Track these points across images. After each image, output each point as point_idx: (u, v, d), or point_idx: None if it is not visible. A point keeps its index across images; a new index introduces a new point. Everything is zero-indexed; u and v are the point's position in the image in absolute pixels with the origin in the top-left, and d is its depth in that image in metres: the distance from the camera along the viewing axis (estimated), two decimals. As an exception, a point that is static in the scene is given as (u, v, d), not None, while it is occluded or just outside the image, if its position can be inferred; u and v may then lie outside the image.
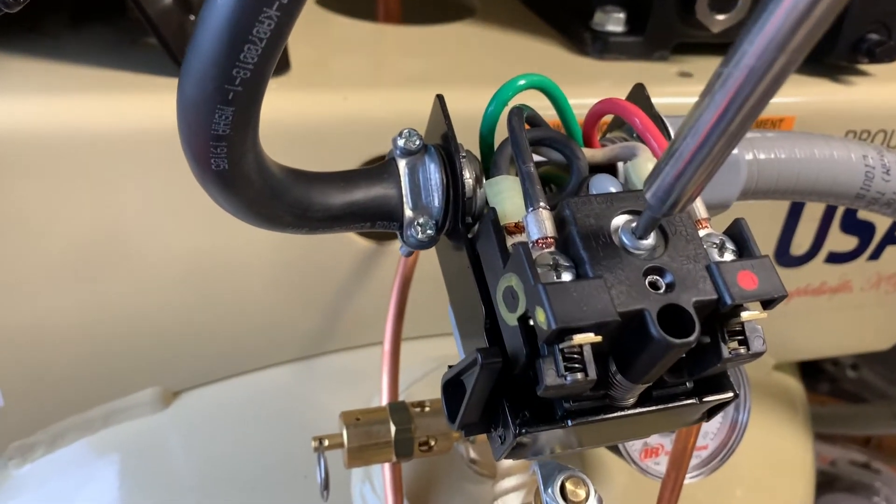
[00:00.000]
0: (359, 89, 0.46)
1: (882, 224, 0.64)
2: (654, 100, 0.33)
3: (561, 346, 0.25)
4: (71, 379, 0.51)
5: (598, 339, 0.25)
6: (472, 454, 0.46)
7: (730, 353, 0.27)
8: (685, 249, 0.27)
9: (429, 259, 0.50)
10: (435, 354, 0.53)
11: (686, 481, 0.44)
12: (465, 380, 0.29)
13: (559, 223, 0.27)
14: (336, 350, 0.55)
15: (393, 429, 0.40)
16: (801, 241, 0.62)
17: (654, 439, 0.43)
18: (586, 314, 0.24)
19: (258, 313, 0.52)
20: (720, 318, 0.27)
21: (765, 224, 0.60)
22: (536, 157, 0.32)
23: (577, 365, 0.25)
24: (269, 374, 0.54)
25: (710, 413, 0.32)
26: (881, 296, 0.69)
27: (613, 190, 0.30)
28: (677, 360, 0.28)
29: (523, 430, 0.28)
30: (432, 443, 0.41)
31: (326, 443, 0.40)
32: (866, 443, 1.28)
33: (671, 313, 0.25)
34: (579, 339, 0.25)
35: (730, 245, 0.28)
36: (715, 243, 0.28)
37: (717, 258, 0.27)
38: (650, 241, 0.26)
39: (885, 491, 1.22)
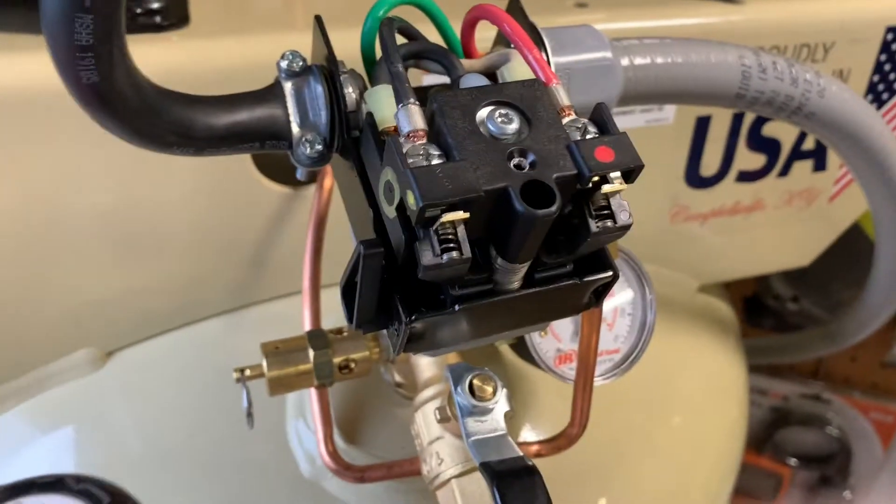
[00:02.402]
0: (261, 34, 0.47)
1: (787, 139, 0.67)
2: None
3: (434, 227, 0.27)
4: (3, 344, 0.51)
5: (466, 215, 0.26)
6: (398, 378, 0.48)
7: (597, 227, 0.29)
8: (547, 132, 0.28)
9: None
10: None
11: (599, 383, 0.46)
12: (357, 279, 0.30)
13: (429, 118, 0.29)
14: (264, 300, 0.56)
15: (311, 353, 0.42)
16: (710, 162, 0.65)
17: (566, 345, 0.46)
18: (452, 191, 0.26)
19: (182, 267, 0.53)
20: (585, 194, 0.29)
21: (672, 146, 0.62)
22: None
23: (451, 244, 0.27)
24: (199, 328, 0.55)
25: (598, 296, 0.34)
26: (794, 212, 0.72)
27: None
28: (552, 238, 0.30)
29: (413, 317, 0.29)
30: (352, 365, 0.42)
31: (248, 372, 0.42)
32: (814, 374, 1.32)
33: (534, 189, 0.27)
34: (449, 216, 0.26)
35: (592, 129, 0.30)
36: (578, 127, 0.29)
37: (579, 139, 0.29)
38: (514, 126, 0.28)
39: (837, 420, 1.27)
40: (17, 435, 0.54)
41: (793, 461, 1.26)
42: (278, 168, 0.54)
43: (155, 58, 0.42)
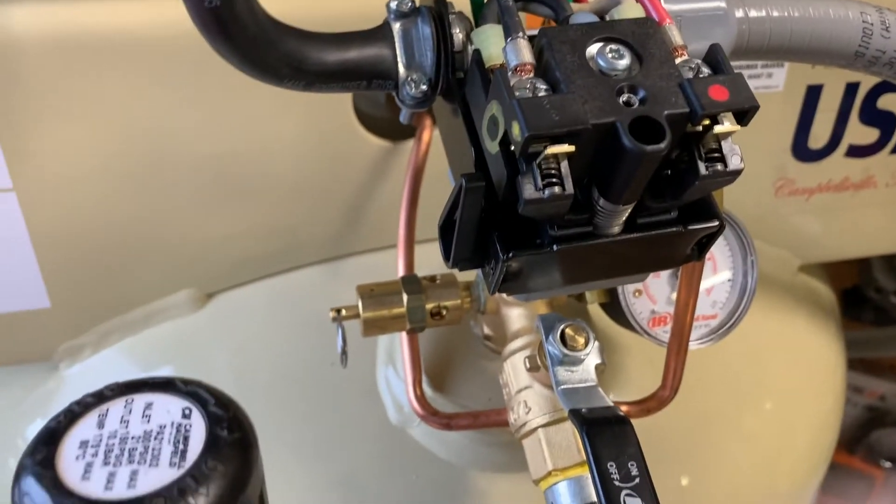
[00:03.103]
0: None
1: (904, 114, 0.63)
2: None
3: (538, 161, 0.27)
4: (112, 282, 0.54)
5: (571, 148, 0.26)
6: (486, 330, 0.48)
7: (707, 169, 0.28)
8: (659, 70, 0.28)
9: (440, 156, 0.51)
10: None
11: (694, 347, 0.45)
12: (457, 215, 0.30)
13: (537, 54, 0.28)
14: (359, 252, 0.58)
15: (405, 297, 0.42)
16: (819, 134, 0.62)
17: (661, 307, 0.45)
18: (558, 122, 0.26)
19: (283, 215, 0.54)
20: (696, 137, 0.28)
21: (780, 115, 0.60)
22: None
23: (554, 180, 0.27)
24: (296, 275, 0.57)
25: (701, 249, 0.33)
26: (908, 192, 0.69)
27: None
28: (657, 183, 0.29)
29: (510, 254, 0.29)
30: (444, 312, 0.43)
31: (343, 312, 0.43)
32: (916, 374, 1.26)
33: (644, 126, 0.26)
34: (553, 149, 0.26)
35: (706, 70, 0.29)
36: (691, 67, 0.29)
37: (691, 77, 0.28)
38: (625, 62, 0.28)
39: (937, 422, 1.21)
40: (119, 368, 0.57)
41: (887, 464, 1.21)
42: (378, 122, 0.55)
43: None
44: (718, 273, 0.45)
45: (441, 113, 0.36)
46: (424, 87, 0.33)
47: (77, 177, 0.49)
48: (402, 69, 0.33)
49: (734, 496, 0.64)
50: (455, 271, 0.46)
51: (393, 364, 0.51)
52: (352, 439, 0.52)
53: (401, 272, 0.47)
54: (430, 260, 0.49)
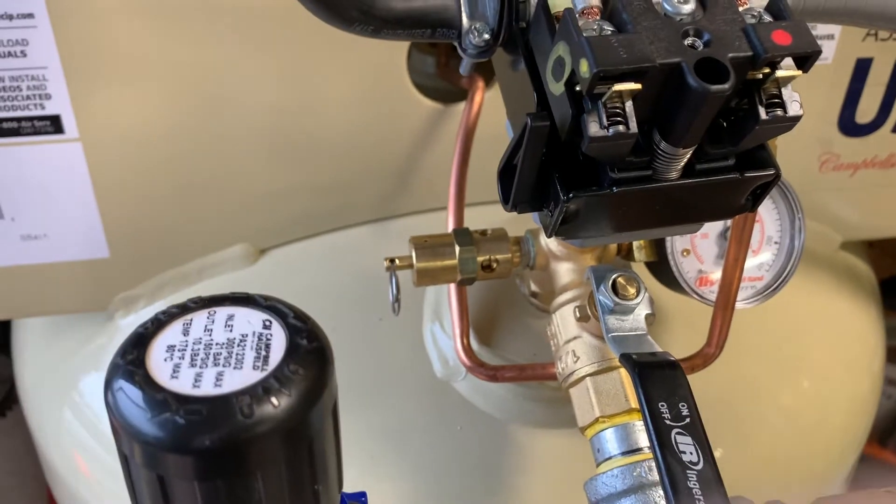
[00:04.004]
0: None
1: (955, 92, 0.63)
2: None
3: (603, 99, 0.27)
4: (169, 234, 0.56)
5: (638, 86, 0.27)
6: (534, 287, 0.49)
7: (767, 114, 0.29)
8: (723, 15, 0.29)
9: (490, 120, 0.53)
10: (498, 218, 0.56)
11: (741, 306, 0.46)
12: (518, 157, 0.31)
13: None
14: (409, 213, 0.59)
15: (457, 249, 0.44)
16: (867, 108, 0.62)
17: (709, 267, 0.45)
18: (626, 59, 0.26)
19: (334, 173, 0.55)
20: (756, 84, 0.29)
21: (828, 88, 0.60)
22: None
23: (619, 118, 0.28)
24: (347, 234, 0.58)
25: (755, 200, 0.34)
26: (956, 171, 0.68)
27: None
28: (717, 128, 0.30)
29: (570, 195, 0.30)
30: (494, 265, 0.44)
31: (397, 262, 0.44)
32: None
33: (708, 67, 0.27)
34: (620, 87, 0.27)
35: (768, 17, 0.29)
36: (753, 15, 0.29)
37: (755, 22, 0.29)
38: (690, 6, 0.29)
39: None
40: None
41: (919, 458, 1.20)
42: (431, 85, 0.56)
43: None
44: (766, 234, 0.45)
45: (501, 65, 0.37)
46: (487, 36, 0.34)
47: (140, 130, 0.51)
48: (465, 18, 0.34)
49: (768, 471, 0.64)
50: (506, 224, 0.47)
51: (439, 320, 0.53)
52: (397, 392, 0.53)
53: (450, 222, 0.48)
54: (479, 222, 0.50)
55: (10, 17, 0.46)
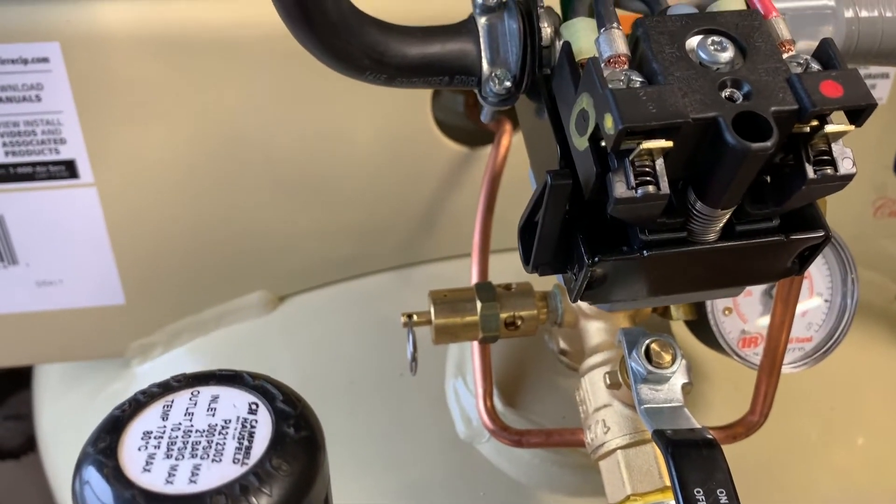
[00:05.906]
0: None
1: None
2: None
3: (631, 157, 0.25)
4: (186, 281, 0.54)
5: (669, 144, 0.24)
6: (562, 345, 0.46)
7: (815, 173, 0.26)
8: (765, 64, 0.26)
9: (518, 163, 0.50)
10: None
11: (787, 370, 0.42)
12: (539, 216, 0.29)
13: (633, 44, 0.27)
14: (432, 260, 0.56)
15: (479, 305, 0.41)
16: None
17: (752, 327, 0.42)
18: (655, 115, 0.24)
19: (357, 218, 0.53)
20: (804, 138, 0.26)
21: (882, 129, 0.57)
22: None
23: (648, 178, 0.25)
24: (368, 281, 0.56)
25: (803, 262, 0.30)
26: None
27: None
28: (759, 186, 0.27)
29: (596, 259, 0.27)
30: (519, 322, 0.41)
31: (415, 318, 0.41)
32: None
33: (748, 122, 0.24)
34: (648, 144, 0.24)
35: (815, 65, 0.26)
36: (799, 63, 0.26)
37: (801, 72, 0.26)
38: (728, 54, 0.26)
39: None
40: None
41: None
42: (457, 128, 0.53)
43: None
44: (815, 293, 0.42)
45: (524, 112, 0.34)
46: (508, 84, 0.32)
47: (157, 175, 0.50)
48: (485, 65, 0.32)
49: (822, 538, 0.60)
50: (531, 280, 0.44)
51: (462, 376, 0.50)
52: (418, 451, 0.50)
53: (474, 275, 0.46)
54: (505, 270, 0.48)
55: (25, 62, 0.45)
